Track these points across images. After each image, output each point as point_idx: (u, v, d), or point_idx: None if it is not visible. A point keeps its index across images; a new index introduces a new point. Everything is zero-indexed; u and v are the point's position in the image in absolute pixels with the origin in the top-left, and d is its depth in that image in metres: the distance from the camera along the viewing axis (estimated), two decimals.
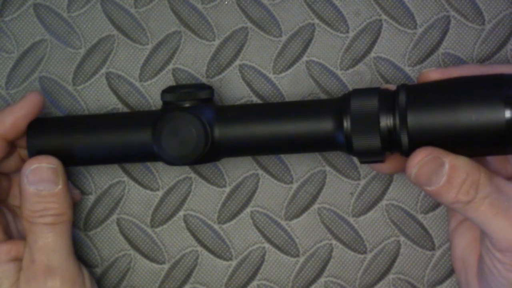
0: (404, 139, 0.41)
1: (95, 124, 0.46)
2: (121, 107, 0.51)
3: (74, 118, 0.48)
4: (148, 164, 0.51)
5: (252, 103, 0.50)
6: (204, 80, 0.51)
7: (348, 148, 0.42)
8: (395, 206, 0.50)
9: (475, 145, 0.41)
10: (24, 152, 0.48)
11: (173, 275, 0.51)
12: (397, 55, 0.50)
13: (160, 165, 0.51)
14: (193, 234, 0.51)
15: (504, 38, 0.50)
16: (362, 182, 0.50)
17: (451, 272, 0.50)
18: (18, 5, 0.52)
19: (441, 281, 0.50)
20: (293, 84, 0.51)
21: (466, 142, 0.40)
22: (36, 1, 0.52)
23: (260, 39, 0.51)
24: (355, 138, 0.42)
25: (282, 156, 0.51)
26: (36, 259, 0.46)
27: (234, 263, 0.51)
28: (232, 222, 0.51)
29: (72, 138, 0.46)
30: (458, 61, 0.50)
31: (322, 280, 0.51)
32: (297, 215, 0.51)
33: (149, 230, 0.52)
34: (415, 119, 0.40)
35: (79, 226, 0.52)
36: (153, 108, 0.51)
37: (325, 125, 0.43)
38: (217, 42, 0.51)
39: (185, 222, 0.51)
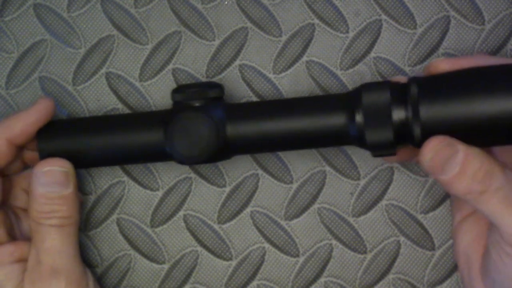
0: (417, 131, 0.41)
1: (105, 126, 0.46)
2: (121, 107, 0.51)
3: (84, 120, 0.47)
4: (148, 163, 0.51)
5: (262, 100, 0.50)
6: (204, 80, 0.51)
7: (360, 142, 0.42)
8: (395, 206, 0.50)
9: (489, 135, 0.40)
10: (29, 154, 0.48)
11: (173, 275, 0.51)
12: (397, 55, 0.50)
13: (160, 165, 0.51)
14: (193, 234, 0.51)
15: (504, 38, 0.50)
16: (362, 182, 0.50)
17: (451, 272, 0.50)
18: (18, 5, 0.52)
19: (441, 281, 0.50)
20: (293, 84, 0.51)
21: (480, 132, 0.40)
22: (36, 1, 0.52)
23: (260, 39, 0.51)
24: (368, 132, 0.42)
25: (282, 156, 0.51)
26: (42, 260, 0.46)
27: (234, 263, 0.51)
28: (232, 222, 0.51)
29: (83, 141, 0.46)
30: None
31: (322, 280, 0.51)
32: (297, 215, 0.51)
33: (149, 230, 0.51)
34: (428, 111, 0.40)
35: (79, 226, 0.52)
36: (153, 108, 0.51)
37: (338, 120, 0.43)
38: (217, 42, 0.51)
39: (185, 222, 0.51)
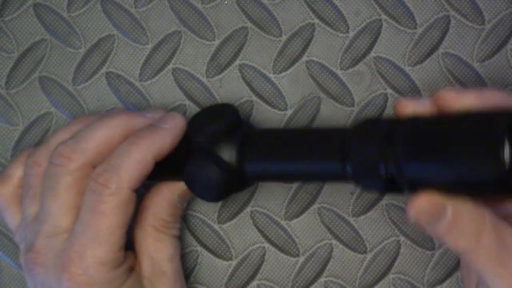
0: (405, 186, 0.40)
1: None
2: (121, 107, 0.51)
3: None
4: None
5: (272, 133, 0.47)
6: (204, 80, 0.51)
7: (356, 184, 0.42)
8: (395, 206, 0.50)
9: (473, 189, 0.38)
10: None
11: None
12: (397, 54, 0.50)
13: None
14: (193, 234, 0.51)
15: (504, 38, 0.50)
16: None
17: (451, 271, 0.50)
18: (18, 5, 0.52)
19: (441, 281, 0.50)
20: (293, 84, 0.51)
21: (465, 187, 0.38)
22: (36, 1, 0.52)
23: (260, 39, 0.51)
24: (360, 184, 0.41)
25: None
26: (166, 270, 0.46)
27: (234, 263, 0.51)
28: (232, 222, 0.51)
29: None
30: (458, 61, 0.50)
31: (322, 280, 0.51)
32: (297, 215, 0.51)
33: None
34: (412, 170, 0.39)
35: None
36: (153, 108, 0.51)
37: (334, 167, 0.42)
38: (217, 42, 0.51)
39: (185, 222, 0.51)
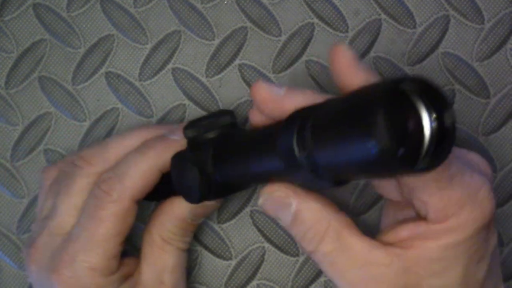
0: (322, 174, 0.37)
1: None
2: (120, 107, 0.51)
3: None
4: None
5: (239, 135, 0.46)
6: (203, 80, 0.51)
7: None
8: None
9: (372, 174, 0.36)
10: None
11: None
12: (396, 54, 0.50)
13: None
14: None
15: (504, 37, 0.50)
16: (362, 182, 0.50)
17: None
18: (17, 5, 0.52)
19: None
20: (292, 84, 0.51)
21: (363, 173, 0.36)
22: (36, 1, 0.52)
23: (259, 39, 0.51)
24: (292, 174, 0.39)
25: None
26: (166, 281, 0.46)
27: (233, 262, 0.51)
28: (232, 222, 0.51)
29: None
30: (458, 60, 0.50)
31: (322, 279, 0.51)
32: None
33: None
34: (319, 158, 0.36)
35: None
36: (153, 108, 0.51)
37: (274, 162, 0.40)
38: (216, 42, 0.51)
39: None
